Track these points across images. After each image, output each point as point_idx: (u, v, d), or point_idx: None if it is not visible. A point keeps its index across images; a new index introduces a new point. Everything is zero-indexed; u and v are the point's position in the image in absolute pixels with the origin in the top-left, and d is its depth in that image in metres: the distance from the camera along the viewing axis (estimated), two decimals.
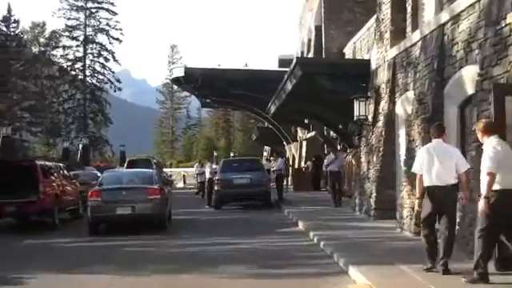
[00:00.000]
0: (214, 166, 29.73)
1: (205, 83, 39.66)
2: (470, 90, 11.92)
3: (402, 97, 16.36)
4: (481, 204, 8.39)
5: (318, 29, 38.75)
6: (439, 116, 13.01)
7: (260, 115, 46.06)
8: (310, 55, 38.73)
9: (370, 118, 18.74)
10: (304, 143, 39.43)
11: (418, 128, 13.86)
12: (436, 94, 13.25)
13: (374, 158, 17.72)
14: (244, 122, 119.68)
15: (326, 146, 37.11)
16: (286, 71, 26.21)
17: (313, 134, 35.12)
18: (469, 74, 11.81)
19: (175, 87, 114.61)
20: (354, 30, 32.18)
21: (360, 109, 18.65)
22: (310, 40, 42.07)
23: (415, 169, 9.63)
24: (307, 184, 34.96)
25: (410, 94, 15.39)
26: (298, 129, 40.94)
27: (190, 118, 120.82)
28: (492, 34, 10.25)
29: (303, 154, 41.09)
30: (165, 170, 58.21)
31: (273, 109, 32.46)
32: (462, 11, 12.07)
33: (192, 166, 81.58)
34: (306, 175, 35.67)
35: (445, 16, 13.03)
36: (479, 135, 8.87)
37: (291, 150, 46.26)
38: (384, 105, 17.59)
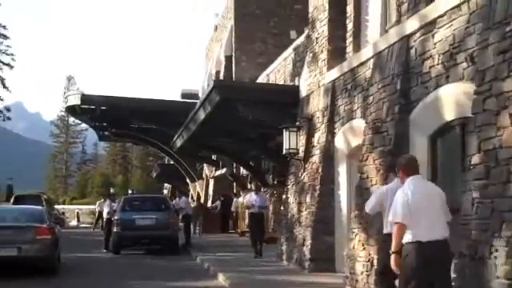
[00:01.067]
0: (113, 204, 26.60)
1: (104, 113, 36.19)
2: (450, 115, 9.45)
3: (345, 126, 13.81)
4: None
5: (228, 59, 36.30)
6: (403, 148, 10.51)
7: (163, 150, 42.90)
8: None
9: (300, 151, 16.11)
10: (211, 181, 36.44)
11: (373, 163, 11.28)
12: (399, 121, 10.72)
13: (308, 199, 15.03)
14: (143, 159, 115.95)
15: (235, 185, 34.41)
16: (196, 103, 23.69)
17: (223, 171, 32.26)
18: (450, 95, 9.36)
19: (71, 120, 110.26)
20: (266, 61, 30.14)
21: (290, 141, 15.96)
22: (218, 72, 39.53)
23: (400, 216, 6.99)
24: (216, 225, 32.08)
25: (358, 122, 12.85)
26: (205, 166, 37.97)
27: (86, 153, 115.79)
28: (497, 38, 7.80)
29: (210, 192, 38.15)
30: (57, 206, 54.38)
31: (179, 143, 29.53)
32: (440, 16, 9.64)
33: (88, 203, 78.20)
34: (214, 216, 32.72)
35: (412, 25, 10.57)
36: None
37: (196, 188, 43.14)
38: (320, 136, 15.00)
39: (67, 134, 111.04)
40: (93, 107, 35.87)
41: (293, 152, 15.84)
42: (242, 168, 31.49)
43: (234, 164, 30.33)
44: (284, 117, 17.51)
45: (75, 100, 34.36)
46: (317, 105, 15.53)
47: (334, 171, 14.47)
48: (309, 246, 14.40)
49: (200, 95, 37.27)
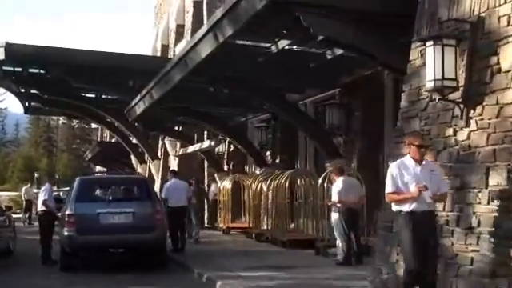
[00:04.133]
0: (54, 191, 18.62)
1: (35, 75, 27.81)
2: None
3: None
4: None
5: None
6: None
7: (105, 123, 34.75)
8: None
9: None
10: (174, 161, 28.37)
11: None
12: None
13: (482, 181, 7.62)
14: (69, 141, 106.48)
15: (206, 166, 26.73)
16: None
17: (199, 146, 24.23)
18: None
19: None
20: None
21: (445, 65, 7.98)
22: (180, 26, 31.62)
23: None
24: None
25: None
26: (166, 142, 29.82)
27: (6, 133, 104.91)
28: None
29: None
30: None
31: (141, 107, 21.69)
32: None
33: (7, 190, 68.42)
34: None
35: None
36: None
37: (147, 171, 34.82)
38: None
39: None
40: (19, 69, 27.55)
41: (449, 86, 8.02)
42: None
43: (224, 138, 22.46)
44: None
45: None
46: None
47: None
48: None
49: None
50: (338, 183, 12.90)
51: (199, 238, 18.58)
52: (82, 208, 13.33)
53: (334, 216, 12.91)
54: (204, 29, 13.47)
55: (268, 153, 20.58)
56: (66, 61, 24.40)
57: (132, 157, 36.55)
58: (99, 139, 72.53)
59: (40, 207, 15.42)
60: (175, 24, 31.78)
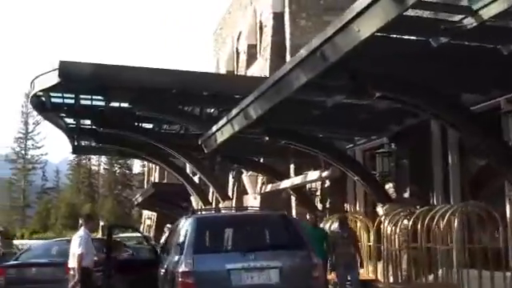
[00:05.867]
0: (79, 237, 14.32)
1: (89, 104, 23.99)
2: None
3: None
4: None
5: (277, 18, 24.27)
6: None
7: (167, 163, 30.63)
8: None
9: None
10: (255, 200, 23.95)
11: None
12: None
13: None
14: (111, 187, 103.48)
15: (293, 205, 22.42)
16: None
17: (316, 175, 19.15)
18: None
19: (30, 143, 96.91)
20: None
21: None
22: (252, 46, 27.74)
23: None
24: None
25: None
26: (245, 177, 25.51)
27: (47, 180, 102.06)
28: None
29: None
30: (15, 242, 41.78)
31: (221, 137, 17.53)
32: None
33: (50, 238, 64.78)
34: None
35: None
36: None
37: None
38: None
39: (25, 158, 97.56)
40: (70, 96, 23.80)
41: None
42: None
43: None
44: None
45: (49, 80, 21.46)
46: None
47: None
48: None
49: None
50: None
51: None
52: (205, 263, 8.93)
53: None
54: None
55: (390, 185, 16.25)
56: (133, 82, 20.44)
57: (192, 199, 32.29)
58: (146, 183, 68.92)
59: (72, 262, 11.12)
60: (246, 45, 27.83)
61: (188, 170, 32.32)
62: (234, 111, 15.33)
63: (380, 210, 15.37)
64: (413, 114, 14.04)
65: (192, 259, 8.69)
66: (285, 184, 20.28)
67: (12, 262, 16.32)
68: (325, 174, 17.12)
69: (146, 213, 59.56)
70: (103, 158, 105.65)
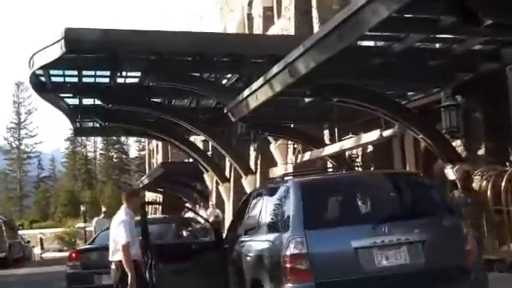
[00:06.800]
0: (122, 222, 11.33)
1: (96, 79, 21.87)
2: None
3: None
4: None
5: None
6: None
7: (181, 140, 28.40)
8: None
9: None
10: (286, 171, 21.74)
11: None
12: None
13: None
14: (108, 172, 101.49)
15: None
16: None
17: (377, 135, 16.54)
18: None
19: (23, 132, 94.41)
20: None
21: None
22: (268, 8, 25.61)
23: None
24: None
25: None
26: (274, 146, 23.05)
27: (43, 168, 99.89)
28: None
29: None
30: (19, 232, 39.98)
31: (253, 102, 15.40)
32: None
33: (53, 227, 62.81)
34: None
35: None
36: None
37: (229, 191, 28.38)
38: None
39: (19, 148, 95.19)
40: (73, 75, 21.69)
41: None
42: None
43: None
44: None
45: (52, 53, 19.09)
46: None
47: None
48: None
49: None
50: None
51: None
52: (322, 241, 6.60)
53: None
54: None
55: (458, 142, 14.26)
56: (146, 47, 18.38)
57: (206, 176, 30.18)
58: (148, 165, 67.01)
59: (114, 255, 8.72)
60: (261, 7, 25.67)
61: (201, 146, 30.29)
62: (275, 68, 13.37)
63: (449, 171, 13.41)
64: (491, 57, 12.20)
65: (304, 237, 6.41)
66: (328, 150, 18.22)
67: (87, 246, 16.12)
68: (387, 132, 15.04)
69: (149, 195, 57.62)
70: (99, 144, 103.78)
